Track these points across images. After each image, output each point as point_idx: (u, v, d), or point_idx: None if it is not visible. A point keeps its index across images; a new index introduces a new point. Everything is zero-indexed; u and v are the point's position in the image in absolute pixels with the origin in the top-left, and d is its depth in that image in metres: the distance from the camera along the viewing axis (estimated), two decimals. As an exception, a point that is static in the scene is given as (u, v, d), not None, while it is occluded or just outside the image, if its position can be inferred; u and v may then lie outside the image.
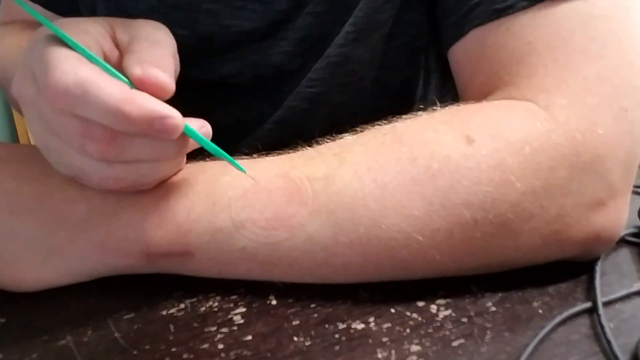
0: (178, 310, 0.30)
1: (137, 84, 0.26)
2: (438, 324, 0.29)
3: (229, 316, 0.30)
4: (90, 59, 0.26)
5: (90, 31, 0.28)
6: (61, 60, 0.25)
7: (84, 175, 0.28)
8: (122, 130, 0.26)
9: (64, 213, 0.30)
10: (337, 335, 0.28)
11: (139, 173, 0.28)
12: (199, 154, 0.31)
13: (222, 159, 0.29)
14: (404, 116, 0.31)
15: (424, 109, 0.31)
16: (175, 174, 0.31)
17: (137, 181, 0.29)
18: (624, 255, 0.34)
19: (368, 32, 0.38)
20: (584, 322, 0.29)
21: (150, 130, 0.26)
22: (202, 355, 0.27)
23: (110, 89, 0.25)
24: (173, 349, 0.28)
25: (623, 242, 0.34)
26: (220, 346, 0.28)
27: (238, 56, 0.41)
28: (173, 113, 0.26)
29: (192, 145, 0.29)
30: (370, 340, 0.28)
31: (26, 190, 0.31)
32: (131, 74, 0.27)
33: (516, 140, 0.28)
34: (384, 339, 0.28)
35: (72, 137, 0.26)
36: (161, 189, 0.30)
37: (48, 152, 0.29)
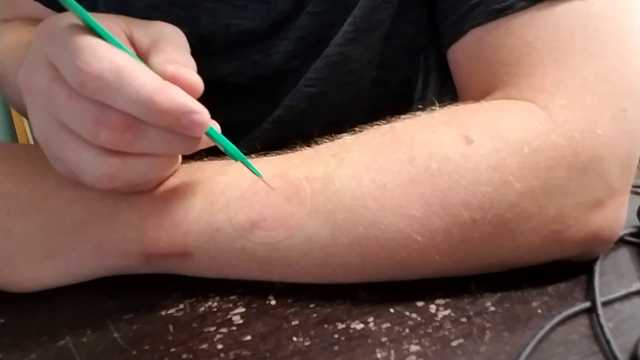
0: (177, 311, 0.30)
1: (170, 82, 0.26)
2: (437, 323, 0.29)
3: (228, 316, 0.30)
4: (121, 48, 0.26)
5: (105, 26, 0.28)
6: (95, 46, 0.25)
7: (78, 172, 0.28)
8: (148, 121, 0.26)
9: (60, 215, 0.30)
10: (336, 335, 0.28)
11: (134, 172, 0.28)
12: (196, 155, 0.31)
13: (241, 162, 0.29)
14: (402, 116, 0.31)
15: (422, 109, 0.31)
16: (172, 175, 0.31)
17: (131, 181, 0.28)
18: (623, 255, 0.34)
19: (367, 31, 0.38)
20: (583, 322, 0.29)
21: (176, 123, 0.26)
22: (201, 356, 0.27)
23: (144, 78, 0.25)
24: (172, 349, 0.28)
25: (622, 241, 0.34)
26: (220, 346, 0.28)
27: (238, 55, 0.41)
28: (202, 110, 0.26)
29: (204, 143, 0.29)
30: (369, 340, 0.28)
31: (23, 192, 0.31)
32: (163, 71, 0.26)
33: (515, 140, 0.28)
34: (383, 339, 0.28)
35: (85, 123, 0.26)
36: (159, 190, 0.30)
37: (47, 146, 0.28)
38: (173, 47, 0.29)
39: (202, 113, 0.26)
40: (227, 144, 0.28)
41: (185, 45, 0.30)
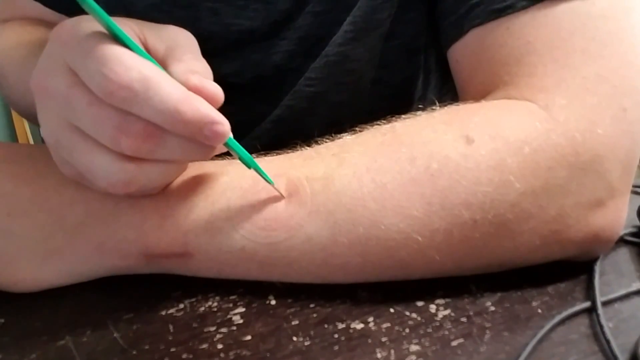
0: (177, 310, 0.30)
1: (192, 92, 0.26)
2: (437, 323, 0.29)
3: (228, 316, 0.30)
4: (145, 57, 0.26)
5: None
6: (122, 56, 0.25)
7: (91, 176, 0.28)
8: (171, 130, 0.26)
9: (61, 215, 0.30)
10: (336, 335, 0.28)
11: (148, 178, 0.28)
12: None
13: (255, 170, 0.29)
14: (403, 116, 0.31)
15: (423, 109, 0.31)
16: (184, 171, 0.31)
17: (145, 186, 0.28)
18: (623, 254, 0.34)
19: (367, 31, 0.38)
20: (583, 321, 0.29)
21: (198, 133, 0.26)
22: (201, 355, 0.27)
23: (170, 88, 0.25)
24: (172, 349, 0.28)
25: (622, 241, 0.34)
26: (220, 346, 0.28)
27: (239, 55, 0.41)
28: (223, 120, 0.26)
29: (218, 150, 0.29)
30: (369, 340, 0.28)
31: (23, 192, 0.31)
32: (186, 81, 0.27)
33: (515, 140, 0.28)
34: (383, 339, 0.28)
35: (107, 130, 0.26)
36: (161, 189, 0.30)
37: (57, 149, 0.28)
38: (191, 56, 0.29)
39: (224, 124, 0.26)
40: (242, 153, 0.29)
41: (198, 51, 0.30)
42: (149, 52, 0.29)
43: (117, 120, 0.26)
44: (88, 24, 0.26)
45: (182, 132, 0.26)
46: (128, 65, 0.25)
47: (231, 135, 0.28)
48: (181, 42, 0.30)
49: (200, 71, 0.28)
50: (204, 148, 0.28)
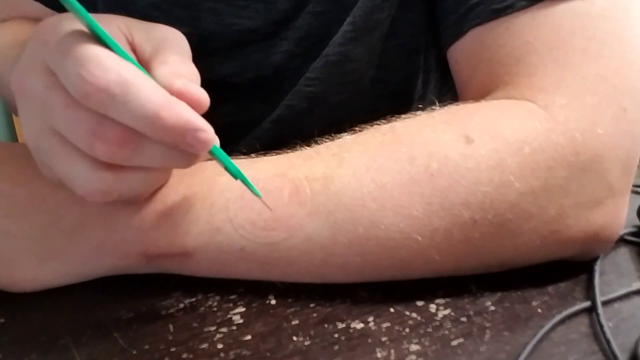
0: (177, 310, 0.30)
1: (175, 96, 0.25)
2: (437, 323, 0.29)
3: (228, 316, 0.30)
4: (126, 58, 0.25)
5: (105, 29, 0.27)
6: (101, 56, 0.24)
7: (68, 183, 0.27)
8: (151, 137, 0.25)
9: (59, 216, 0.30)
10: (336, 335, 0.28)
11: (128, 187, 0.27)
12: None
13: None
14: (402, 116, 0.31)
15: (423, 109, 0.32)
16: (169, 178, 0.31)
17: (125, 194, 0.27)
18: (623, 254, 0.34)
19: (366, 31, 0.38)
20: (583, 321, 0.29)
21: (180, 141, 0.25)
22: (202, 355, 0.27)
23: (150, 92, 0.24)
24: (172, 349, 0.28)
25: (622, 241, 0.34)
26: (220, 346, 0.28)
27: (239, 55, 0.41)
28: (207, 127, 0.25)
29: (202, 157, 0.28)
30: (369, 340, 0.28)
31: (21, 193, 0.30)
32: (169, 85, 0.25)
33: (515, 140, 0.28)
34: (383, 339, 0.28)
35: (81, 134, 0.25)
36: (158, 190, 0.30)
37: (37, 152, 0.28)
38: (178, 58, 0.28)
39: (207, 131, 0.25)
40: (228, 162, 0.28)
41: (188, 52, 0.29)
42: (135, 52, 0.28)
43: (92, 124, 0.25)
44: (69, 22, 0.25)
45: (163, 138, 0.25)
46: (106, 66, 0.24)
47: (217, 143, 0.27)
48: (169, 42, 0.29)
49: (185, 74, 0.27)
50: (186, 155, 0.26)
